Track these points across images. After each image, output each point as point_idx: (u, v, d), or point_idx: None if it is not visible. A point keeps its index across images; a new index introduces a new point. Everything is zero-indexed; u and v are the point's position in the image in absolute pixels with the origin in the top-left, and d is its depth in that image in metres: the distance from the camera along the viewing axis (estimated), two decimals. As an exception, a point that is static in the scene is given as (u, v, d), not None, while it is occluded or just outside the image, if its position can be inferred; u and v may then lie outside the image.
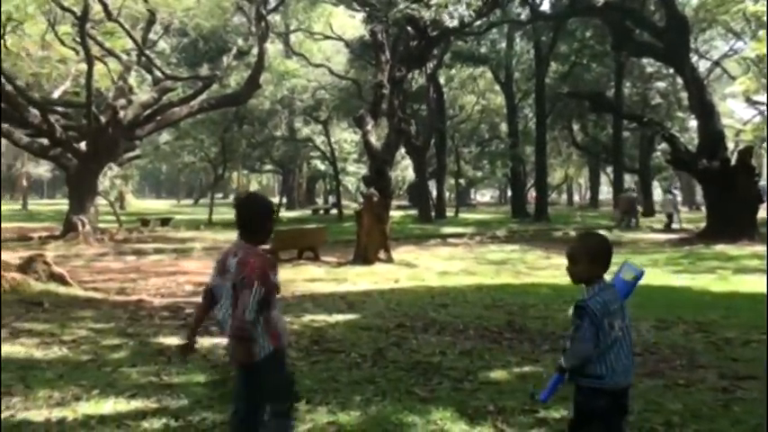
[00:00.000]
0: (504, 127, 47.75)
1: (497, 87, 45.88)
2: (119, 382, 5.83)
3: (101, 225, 27.72)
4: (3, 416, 4.88)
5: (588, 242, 3.51)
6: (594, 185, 62.45)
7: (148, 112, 26.36)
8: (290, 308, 10.07)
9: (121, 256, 20.13)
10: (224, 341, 7.53)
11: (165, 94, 27.29)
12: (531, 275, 15.03)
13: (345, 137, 46.81)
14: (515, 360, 6.60)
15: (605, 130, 46.03)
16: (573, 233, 24.77)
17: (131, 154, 31.27)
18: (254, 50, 29.14)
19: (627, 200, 31.20)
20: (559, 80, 40.44)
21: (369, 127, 18.29)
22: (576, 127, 46.91)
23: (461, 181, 45.99)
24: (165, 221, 33.79)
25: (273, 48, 37.98)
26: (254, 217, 3.71)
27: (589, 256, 3.35)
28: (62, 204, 41.10)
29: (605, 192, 72.61)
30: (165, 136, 47.90)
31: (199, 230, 31.14)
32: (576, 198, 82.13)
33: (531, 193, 48.52)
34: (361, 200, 18.68)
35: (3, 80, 22.30)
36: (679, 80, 35.84)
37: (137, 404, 5.17)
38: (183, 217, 39.93)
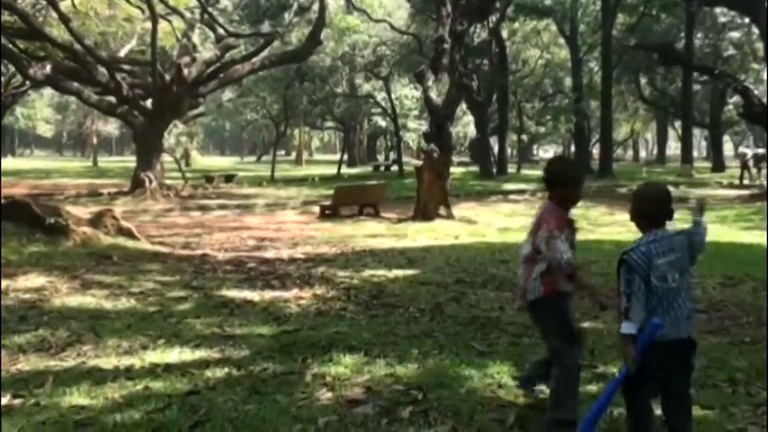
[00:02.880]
0: (568, 81, 46.61)
1: (562, 41, 44.77)
2: (183, 332, 6.00)
3: (167, 181, 28.36)
4: (74, 363, 5.10)
5: (644, 192, 3.44)
6: (662, 141, 60.77)
7: (212, 69, 26.61)
8: (349, 263, 10.18)
9: (187, 212, 20.59)
10: (285, 294, 7.72)
11: (228, 51, 27.47)
12: (593, 232, 14.78)
13: (406, 93, 46.46)
14: (575, 316, 6.52)
15: (674, 84, 44.54)
16: (638, 190, 24.18)
17: (195, 111, 31.69)
18: (315, 6, 29.02)
19: (761, 156, 31.25)
20: (627, 32, 39.12)
21: (429, 82, 18.08)
22: (643, 80, 45.53)
23: (524, 137, 45.30)
24: (228, 178, 34.34)
25: (334, 3, 37.77)
26: (560, 179, 3.91)
27: (643, 205, 3.30)
28: (130, 161, 42.15)
29: (673, 147, 70.65)
30: (227, 93, 48.46)
31: (261, 187, 31.57)
32: (643, 154, 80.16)
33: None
34: (422, 156, 18.58)
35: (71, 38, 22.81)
36: (755, 30, 34.31)
37: (200, 354, 5.32)
38: (247, 174, 40.49)
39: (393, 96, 41.78)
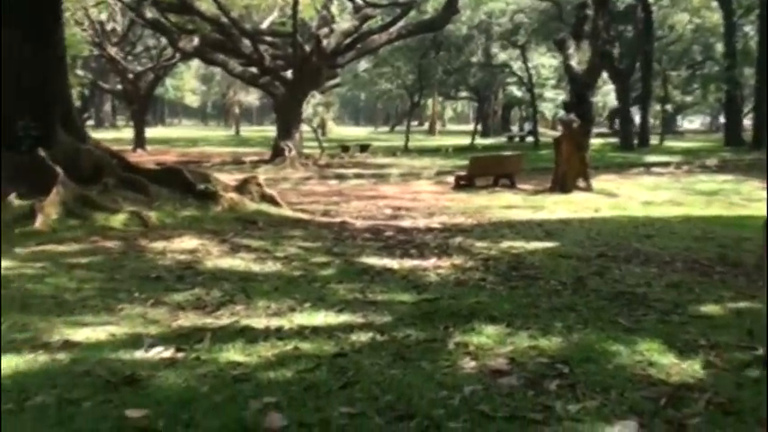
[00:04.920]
0: (719, 47, 43.82)
1: (714, 3, 42.04)
2: (328, 296, 6.18)
3: (305, 150, 29.16)
4: (229, 321, 5.36)
5: None
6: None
7: (349, 40, 26.98)
8: (487, 233, 10.13)
9: (324, 180, 21.13)
10: (423, 263, 7.77)
11: (366, 21, 27.73)
12: (746, 207, 13.96)
13: (543, 62, 45.30)
14: (729, 295, 6.20)
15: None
16: (796, 163, 22.56)
17: (333, 82, 32.33)
18: (452, -26, 28.69)
19: None
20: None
21: (571, 50, 17.54)
22: (805, 45, 41.99)
23: (668, 107, 43.13)
24: (363, 148, 34.87)
25: (471, -30, 37.22)
26: None
27: None
28: (269, 130, 43.66)
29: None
30: (363, 64, 48.99)
31: (395, 157, 31.86)
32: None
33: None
34: (560, 127, 18.11)
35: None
36: None
37: (345, 318, 5.46)
38: (381, 143, 40.95)
39: (530, 65, 40.83)
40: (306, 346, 4.73)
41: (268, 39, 28.35)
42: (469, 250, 8.61)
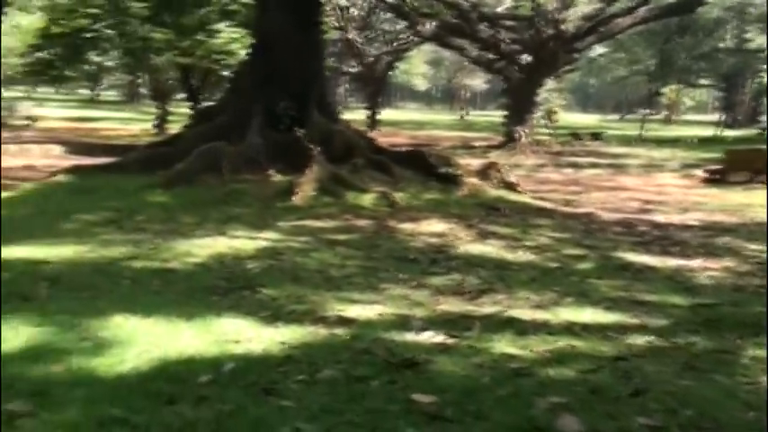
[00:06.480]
0: None
1: None
2: (590, 292, 5.86)
3: (535, 137, 28.53)
4: (493, 310, 5.22)
5: None
6: None
7: (590, 24, 25.91)
8: (754, 235, 9.21)
9: (558, 168, 20.52)
10: (688, 263, 7.19)
11: (610, 5, 26.45)
12: None
13: (807, 46, 40.76)
14: None
15: None
16: None
17: (567, 67, 31.34)
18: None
19: None
20: None
21: None
22: None
23: None
24: (595, 136, 33.50)
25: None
26: None
27: None
28: (493, 116, 43.28)
29: None
30: (597, 49, 47.10)
31: (630, 146, 30.21)
32: None
33: None
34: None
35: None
36: None
37: (614, 317, 5.12)
38: (612, 132, 39.08)
39: (790, 51, 36.90)
40: (580, 344, 4.48)
41: (506, 23, 28.04)
42: (740, 252, 7.85)
